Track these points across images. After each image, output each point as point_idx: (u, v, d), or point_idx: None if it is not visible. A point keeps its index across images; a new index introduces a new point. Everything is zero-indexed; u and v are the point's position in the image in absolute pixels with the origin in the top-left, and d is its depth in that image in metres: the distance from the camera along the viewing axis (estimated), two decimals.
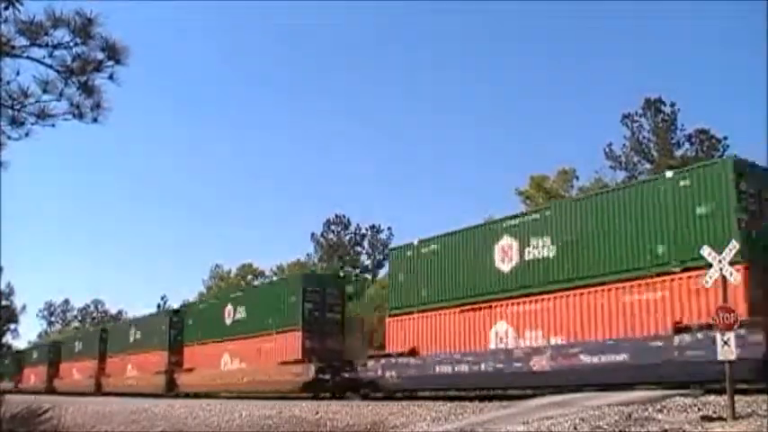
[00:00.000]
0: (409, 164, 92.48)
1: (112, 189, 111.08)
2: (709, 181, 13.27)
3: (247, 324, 25.84)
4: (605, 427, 9.00)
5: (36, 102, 6.36)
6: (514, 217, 17.46)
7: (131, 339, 35.80)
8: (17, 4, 5.93)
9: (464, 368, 16.66)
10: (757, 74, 64.11)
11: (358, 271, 51.57)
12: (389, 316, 19.97)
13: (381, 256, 51.86)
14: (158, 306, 62.58)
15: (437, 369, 17.32)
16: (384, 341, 20.86)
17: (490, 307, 16.83)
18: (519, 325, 16.10)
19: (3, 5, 5.92)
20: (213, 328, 28.06)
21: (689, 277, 12.89)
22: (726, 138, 35.60)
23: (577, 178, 37.52)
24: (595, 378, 13.84)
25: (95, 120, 6.54)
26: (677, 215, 13.62)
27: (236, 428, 15.32)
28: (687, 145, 36.28)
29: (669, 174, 14.36)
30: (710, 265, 9.57)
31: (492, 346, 16.49)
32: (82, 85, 6.29)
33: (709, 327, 10.76)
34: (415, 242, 19.94)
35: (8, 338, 67.69)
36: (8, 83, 6.25)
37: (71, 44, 6.12)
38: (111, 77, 6.31)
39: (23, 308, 69.72)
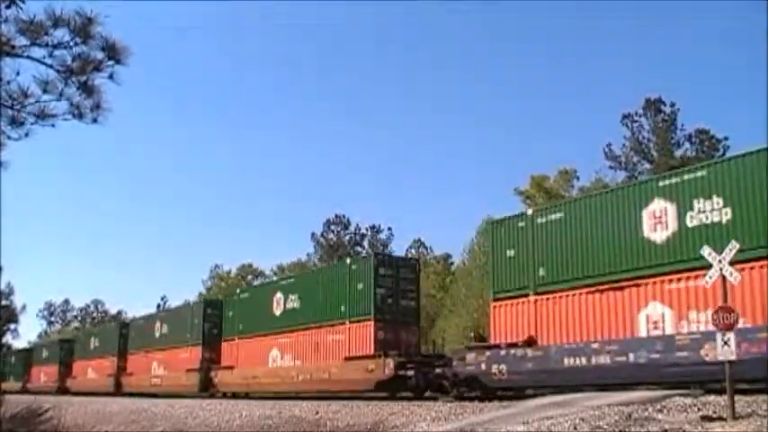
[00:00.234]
0: (409, 164, 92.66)
1: (112, 189, 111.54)
2: None
3: (302, 314, 22.58)
4: (605, 427, 8.99)
5: (36, 102, 6.36)
6: (670, 176, 14.50)
7: (157, 334, 32.57)
8: (19, 3, 5.93)
9: (604, 360, 13.74)
10: (757, 74, 64.16)
11: None
12: (494, 300, 16.77)
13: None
14: (158, 306, 62.68)
15: (566, 362, 14.27)
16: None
17: (638, 285, 13.91)
18: (679, 306, 13.21)
19: (4, 4, 5.92)
20: (258, 320, 24.76)
21: None
22: (726, 138, 35.69)
23: (578, 178, 37.58)
24: None
25: (95, 120, 6.54)
26: None
27: (237, 428, 15.32)
28: (687, 145, 36.36)
29: None
30: None
31: (642, 332, 13.65)
32: (82, 85, 6.29)
33: None
34: (529, 211, 17.05)
35: (8, 338, 67.66)
36: (8, 83, 6.25)
37: (71, 44, 6.12)
38: (111, 77, 6.31)
39: (23, 308, 69.68)
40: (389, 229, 54.28)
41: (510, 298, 16.39)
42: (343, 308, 20.68)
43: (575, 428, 9.15)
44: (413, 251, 52.22)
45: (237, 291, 29.30)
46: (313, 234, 54.22)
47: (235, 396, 24.87)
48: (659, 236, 13.88)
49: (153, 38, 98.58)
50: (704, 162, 17.28)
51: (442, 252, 51.42)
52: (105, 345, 38.40)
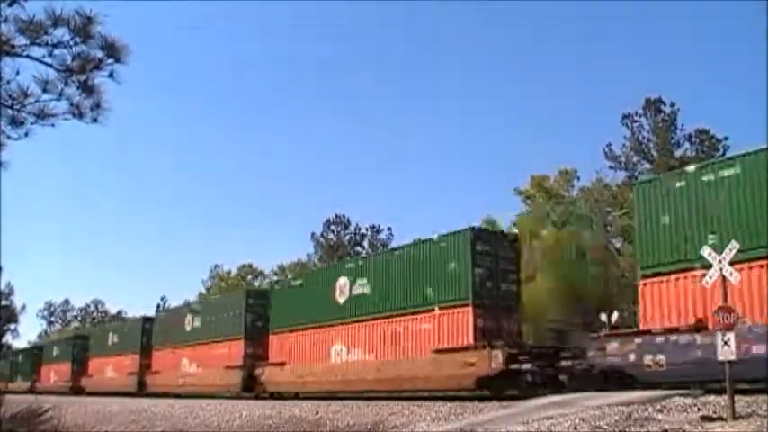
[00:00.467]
0: (409, 164, 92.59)
1: (113, 189, 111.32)
2: None
3: (374, 302, 19.57)
4: (605, 427, 8.99)
5: (36, 101, 6.36)
6: None
7: (188, 328, 29.64)
8: (21, 2, 5.94)
9: None
10: (757, 74, 64.08)
11: None
12: (643, 278, 13.99)
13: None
14: (158, 306, 62.57)
15: (753, 350, 11.55)
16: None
17: None
18: None
19: (6, 3, 5.93)
20: (317, 310, 21.69)
21: None
22: (726, 138, 35.66)
23: (578, 178, 37.55)
24: None
25: (95, 120, 6.54)
26: None
27: (237, 428, 15.32)
28: (687, 145, 36.33)
29: None
30: None
31: None
32: (82, 85, 6.29)
33: None
34: (691, 168, 14.11)
35: (8, 338, 67.70)
36: (8, 82, 6.25)
37: (71, 43, 6.12)
38: (110, 75, 6.31)
39: (23, 308, 69.80)
40: (389, 229, 54.29)
41: (667, 274, 13.59)
42: (429, 292, 17.71)
43: (575, 428, 9.14)
44: None
45: (289, 278, 26.86)
46: (313, 234, 54.21)
47: (281, 396, 22.28)
48: None
49: (152, 37, 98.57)
50: None
51: None
52: (126, 341, 35.61)
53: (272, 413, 16.00)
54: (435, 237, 18.26)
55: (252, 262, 59.18)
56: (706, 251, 9.59)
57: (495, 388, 15.37)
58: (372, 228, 54.68)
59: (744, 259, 11.46)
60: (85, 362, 39.96)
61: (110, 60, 6.25)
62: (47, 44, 6.10)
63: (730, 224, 12.58)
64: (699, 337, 12.40)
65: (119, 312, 79.14)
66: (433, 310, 17.55)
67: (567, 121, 78.46)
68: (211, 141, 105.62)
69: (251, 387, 24.07)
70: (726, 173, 13.07)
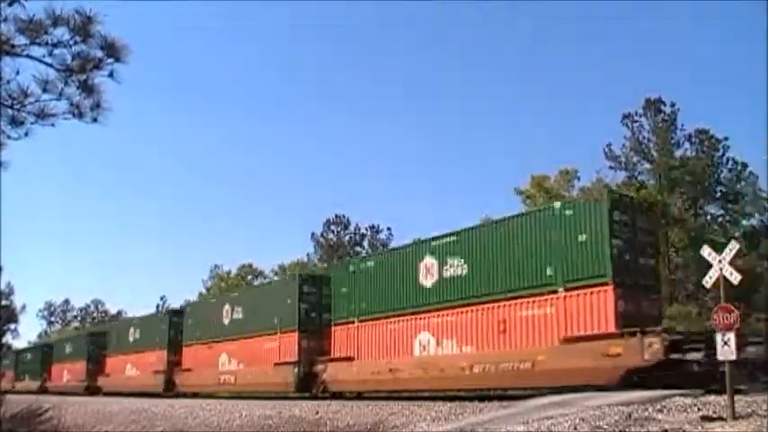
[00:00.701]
0: (409, 164, 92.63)
1: (113, 188, 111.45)
2: None
3: (471, 284, 16.69)
4: (605, 427, 8.99)
5: (36, 101, 6.35)
6: None
7: (226, 321, 26.58)
8: (22, 2, 5.93)
9: None
10: (757, 74, 64.09)
11: None
12: None
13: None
14: (157, 307, 62.50)
15: None
16: None
17: None
18: None
19: (6, 2, 5.92)
20: (395, 296, 18.89)
21: None
22: (726, 138, 35.70)
23: (578, 178, 37.57)
24: None
25: (95, 119, 6.53)
26: None
27: (237, 428, 15.32)
28: (687, 145, 36.37)
29: None
30: None
31: None
32: (82, 84, 6.29)
33: None
34: None
35: (8, 338, 67.62)
36: (8, 82, 6.24)
37: (71, 43, 6.11)
38: (111, 75, 6.31)
39: (23, 308, 69.63)
40: (389, 229, 54.31)
41: None
42: (549, 271, 14.96)
43: (575, 428, 9.14)
44: None
45: (355, 260, 22.54)
46: (313, 234, 54.25)
47: (341, 396, 19.85)
48: None
49: (152, 37, 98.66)
50: None
51: None
52: (150, 336, 32.57)
53: (272, 413, 15.99)
54: (557, 205, 15.67)
55: (252, 262, 59.26)
56: (706, 251, 9.60)
57: (651, 382, 12.74)
58: (372, 228, 54.74)
59: None
60: (102, 360, 37.55)
61: (110, 60, 6.24)
62: (47, 44, 6.09)
63: None
64: None
65: (119, 312, 79.23)
66: (555, 291, 14.71)
67: (567, 121, 78.56)
68: (211, 141, 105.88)
69: (308, 386, 21.19)
70: None
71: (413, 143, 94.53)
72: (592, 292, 14.13)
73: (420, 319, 17.88)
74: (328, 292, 21.79)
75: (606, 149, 36.82)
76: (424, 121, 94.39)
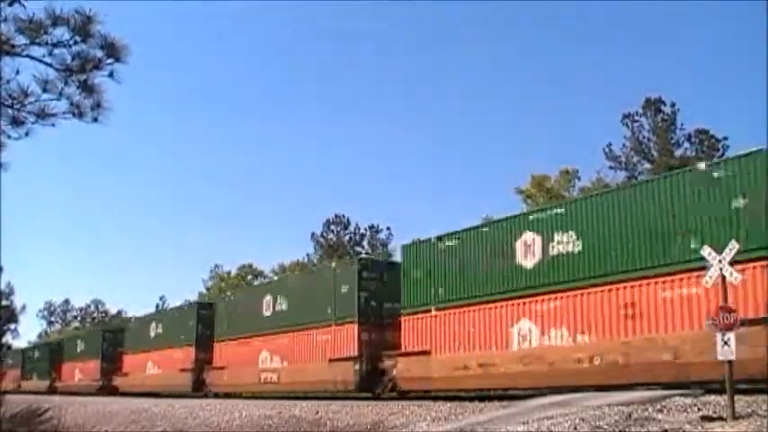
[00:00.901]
0: (409, 164, 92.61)
1: (113, 188, 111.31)
2: None
3: (586, 263, 14.24)
4: (605, 427, 8.98)
5: (36, 101, 6.37)
6: None
7: (267, 313, 23.70)
8: (22, 2, 5.94)
9: None
10: (757, 74, 64.10)
11: None
12: None
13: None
14: (157, 307, 62.42)
15: None
16: None
17: None
18: None
19: (6, 2, 5.93)
20: (483, 280, 16.33)
21: None
22: (726, 138, 35.72)
23: (579, 178, 37.62)
24: None
25: (95, 119, 6.55)
26: None
27: (237, 428, 15.31)
28: (687, 145, 36.39)
29: None
30: None
31: None
32: (81, 84, 6.30)
33: None
34: None
35: (8, 338, 67.64)
36: (8, 82, 6.26)
37: (71, 42, 6.12)
38: (110, 75, 6.32)
39: (23, 308, 69.68)
40: (389, 228, 54.32)
41: None
42: (694, 243, 12.22)
43: (575, 428, 9.14)
44: None
45: (432, 239, 18.20)
46: (313, 234, 54.24)
47: (407, 395, 17.69)
48: None
49: (152, 36, 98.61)
50: None
51: None
52: (174, 332, 29.89)
53: (272, 413, 15.98)
54: (702, 165, 13.15)
55: (252, 262, 59.25)
56: (706, 251, 9.58)
57: None
58: (372, 227, 54.75)
59: None
60: (118, 358, 35.22)
61: (110, 60, 6.25)
62: (47, 43, 6.10)
63: None
64: None
65: (119, 312, 79.18)
66: (703, 268, 10.29)
67: (568, 122, 78.55)
68: (211, 141, 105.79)
69: (372, 384, 18.77)
70: None
71: (413, 143, 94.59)
72: (760, 267, 11.42)
73: (518, 305, 15.33)
74: (392, 278, 19.34)
75: (606, 149, 36.90)
76: (424, 121, 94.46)
